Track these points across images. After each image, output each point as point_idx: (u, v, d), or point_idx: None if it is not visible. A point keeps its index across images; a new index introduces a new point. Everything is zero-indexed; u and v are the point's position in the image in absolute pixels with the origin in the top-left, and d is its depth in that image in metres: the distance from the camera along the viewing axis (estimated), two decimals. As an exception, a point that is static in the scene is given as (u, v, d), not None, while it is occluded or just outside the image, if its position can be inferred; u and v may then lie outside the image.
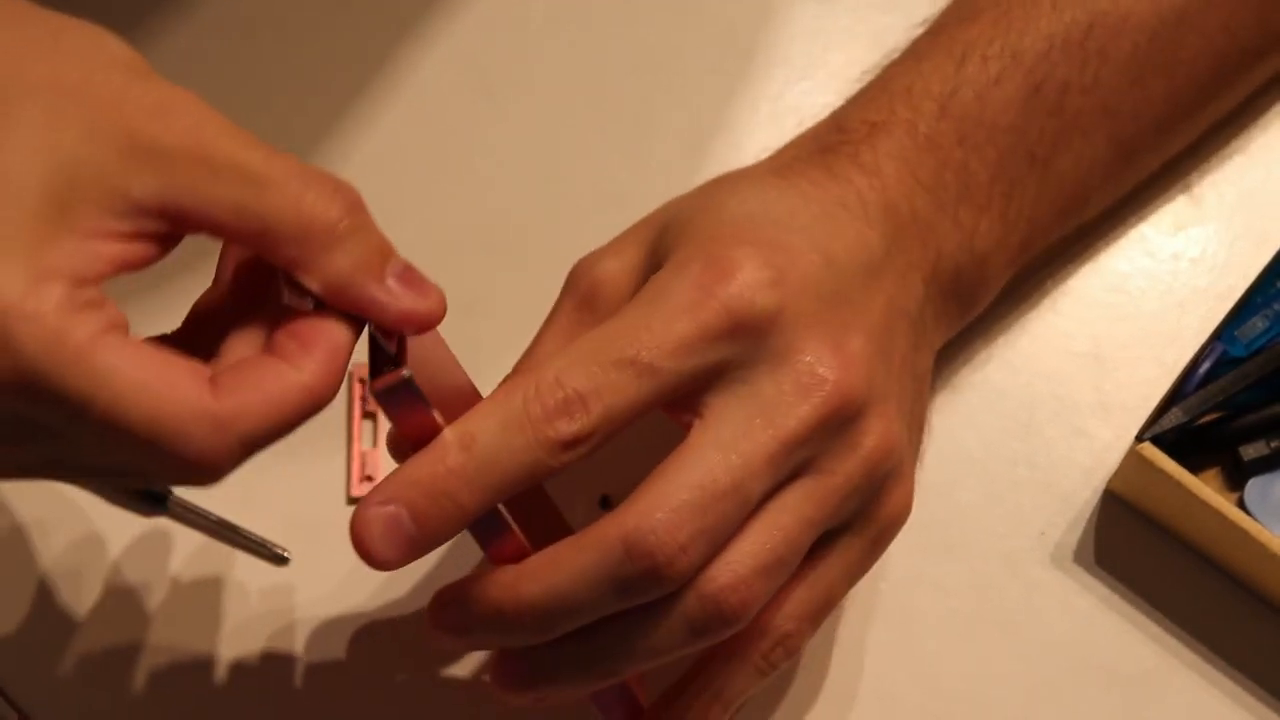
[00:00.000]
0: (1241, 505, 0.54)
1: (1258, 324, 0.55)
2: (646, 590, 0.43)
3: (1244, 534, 0.51)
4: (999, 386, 0.57)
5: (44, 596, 0.55)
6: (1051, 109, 0.53)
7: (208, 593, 0.55)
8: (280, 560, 0.55)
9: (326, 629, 0.54)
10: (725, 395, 0.44)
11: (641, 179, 0.61)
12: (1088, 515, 0.56)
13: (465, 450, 0.42)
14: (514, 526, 0.44)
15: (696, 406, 0.45)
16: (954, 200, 0.51)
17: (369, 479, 0.56)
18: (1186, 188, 0.60)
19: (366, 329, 0.44)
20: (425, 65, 0.63)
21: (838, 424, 0.45)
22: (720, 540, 0.44)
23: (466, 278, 0.59)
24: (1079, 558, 0.55)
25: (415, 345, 0.43)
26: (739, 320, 0.44)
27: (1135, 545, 0.55)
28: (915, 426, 0.50)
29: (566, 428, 0.43)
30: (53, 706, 0.53)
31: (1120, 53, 0.53)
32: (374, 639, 0.54)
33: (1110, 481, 0.56)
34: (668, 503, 0.43)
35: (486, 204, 0.61)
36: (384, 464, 0.56)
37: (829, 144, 0.51)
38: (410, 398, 0.42)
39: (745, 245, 0.45)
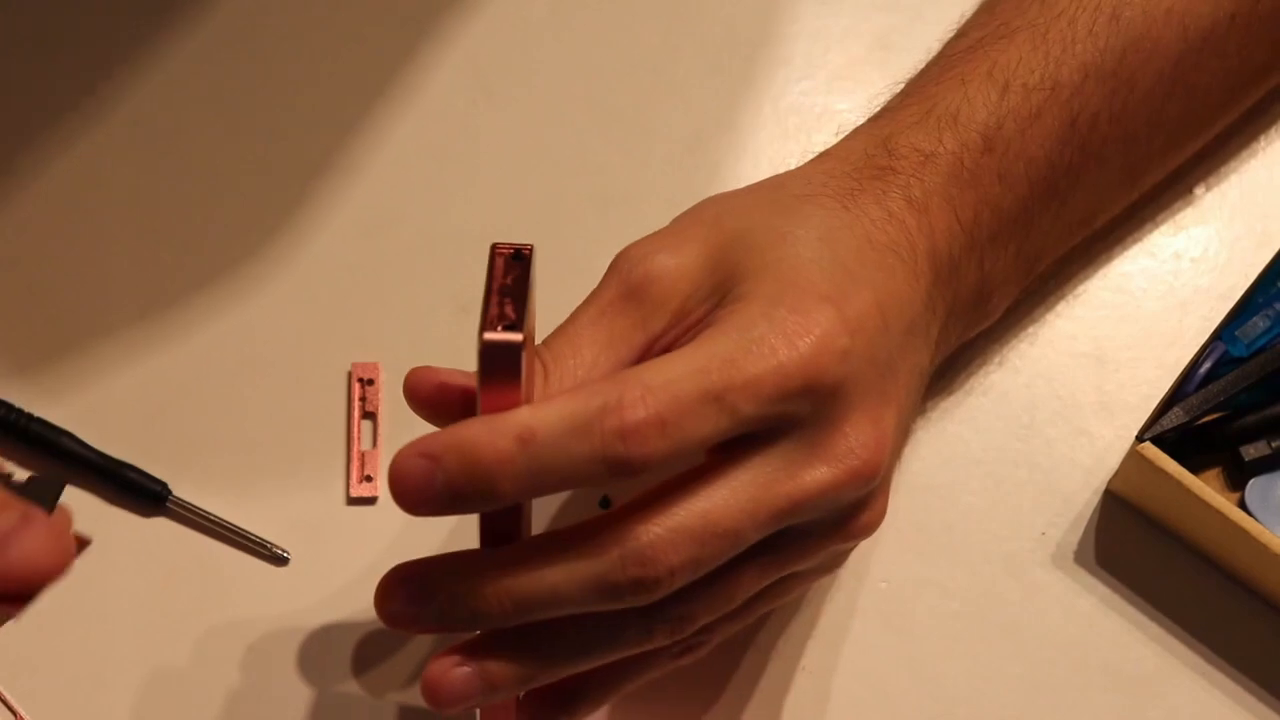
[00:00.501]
0: (1242, 505, 0.54)
1: (1259, 324, 0.55)
2: (624, 599, 0.43)
3: (1245, 534, 0.51)
4: (1000, 387, 0.57)
5: (43, 596, 0.55)
6: (1081, 141, 0.53)
7: (208, 593, 0.55)
8: (280, 560, 0.55)
9: (326, 629, 0.54)
10: (760, 441, 0.44)
11: (641, 179, 0.61)
12: (1089, 516, 0.55)
13: (523, 444, 0.42)
14: (522, 509, 0.44)
15: (730, 444, 0.45)
16: (984, 240, 0.51)
17: (369, 479, 0.56)
18: (1188, 188, 0.60)
19: (492, 268, 0.43)
20: (425, 65, 0.63)
21: (849, 499, 0.46)
22: (702, 573, 0.44)
23: (466, 277, 0.59)
24: (1080, 558, 0.55)
25: (530, 315, 0.42)
26: (810, 384, 0.44)
27: (1136, 545, 0.55)
28: None
29: (638, 449, 0.42)
30: (53, 706, 0.53)
31: (1147, 80, 0.53)
32: (373, 638, 0.54)
33: (1111, 482, 0.56)
34: (670, 521, 0.43)
35: (486, 203, 0.61)
36: (384, 464, 0.56)
37: (880, 168, 0.51)
38: (511, 365, 0.42)
39: (827, 303, 0.45)
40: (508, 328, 0.41)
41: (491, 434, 0.42)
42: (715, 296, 0.46)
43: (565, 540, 0.43)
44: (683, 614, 0.45)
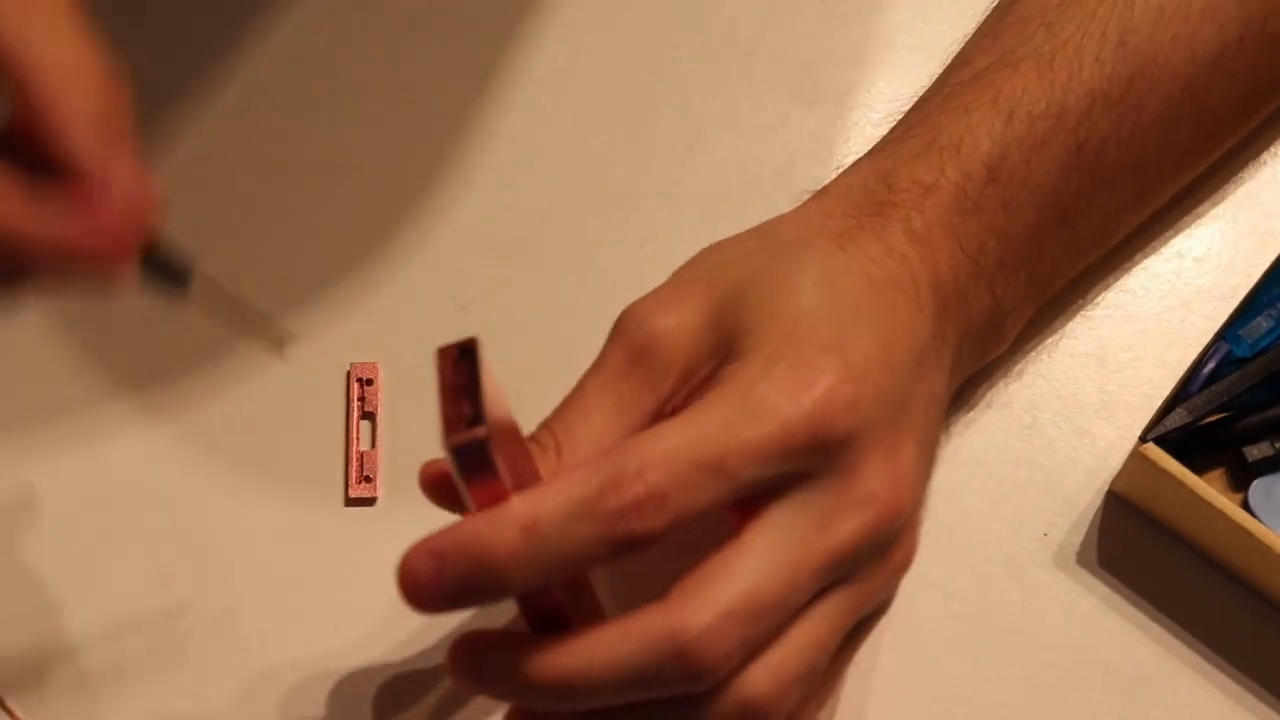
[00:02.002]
0: (1246, 506, 0.53)
1: (1262, 324, 0.55)
2: (677, 687, 0.43)
3: (1248, 535, 0.51)
4: (1001, 388, 0.57)
5: (43, 597, 0.55)
6: (1089, 167, 0.52)
7: (207, 593, 0.54)
8: (283, 345, 0.49)
9: (325, 629, 0.54)
10: (783, 502, 0.44)
11: (641, 179, 0.61)
12: (1091, 516, 0.55)
13: (526, 533, 0.42)
14: (554, 590, 0.44)
15: (753, 507, 0.45)
16: (991, 267, 0.51)
17: (367, 479, 0.55)
18: (1190, 187, 0.59)
19: (440, 372, 0.42)
20: (425, 64, 0.63)
21: (884, 540, 0.46)
22: (757, 648, 0.44)
23: (466, 277, 0.59)
24: (1082, 559, 0.55)
25: (490, 398, 0.42)
26: (818, 439, 0.44)
27: (1138, 546, 0.55)
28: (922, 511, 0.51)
29: (640, 524, 0.42)
30: (52, 708, 0.53)
31: (1155, 105, 0.53)
32: (373, 639, 0.54)
33: (1113, 482, 0.55)
34: (718, 606, 0.43)
35: (486, 203, 0.60)
36: (383, 464, 0.56)
37: (880, 203, 0.50)
38: (483, 459, 0.41)
39: (830, 354, 0.45)
40: (469, 424, 0.41)
41: (495, 528, 0.42)
42: (719, 354, 0.46)
43: (616, 633, 0.43)
44: (777, 699, 0.44)
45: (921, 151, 0.51)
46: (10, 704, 0.53)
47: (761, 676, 0.44)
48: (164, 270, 0.42)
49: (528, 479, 0.44)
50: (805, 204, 0.52)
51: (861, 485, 0.45)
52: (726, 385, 0.45)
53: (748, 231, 0.51)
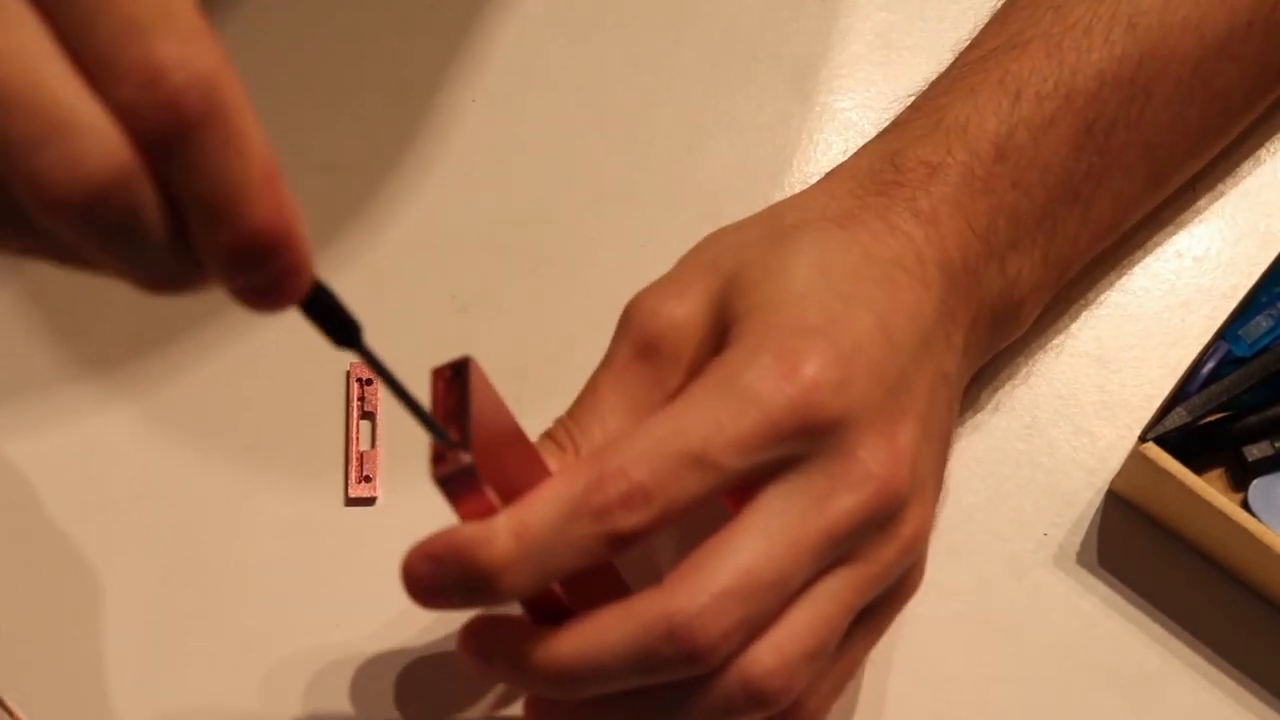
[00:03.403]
0: (1245, 506, 0.53)
1: (1262, 323, 0.55)
2: (678, 670, 0.43)
3: (1248, 535, 0.51)
4: (1002, 387, 0.57)
5: (43, 596, 0.55)
6: (1099, 148, 0.52)
7: (207, 593, 0.54)
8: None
9: (324, 629, 0.54)
10: (778, 484, 0.44)
11: (641, 179, 0.61)
12: (1091, 516, 0.55)
13: (517, 539, 0.42)
14: (552, 590, 0.44)
15: (748, 491, 0.44)
16: (1003, 246, 0.51)
17: (367, 479, 0.55)
18: (1190, 185, 0.59)
19: (434, 396, 0.42)
20: (425, 64, 0.63)
21: (883, 518, 0.45)
22: (758, 628, 0.44)
23: (466, 277, 0.59)
24: (1082, 559, 0.55)
25: (477, 413, 0.42)
26: (806, 422, 0.44)
27: (1138, 546, 0.55)
28: (939, 492, 0.50)
29: (626, 520, 0.42)
30: (51, 708, 0.53)
31: (1165, 87, 0.53)
32: (369, 641, 0.54)
33: (1113, 482, 0.55)
34: (713, 587, 0.43)
35: (486, 203, 0.60)
36: (383, 464, 0.56)
37: (885, 184, 0.50)
38: (469, 483, 0.42)
39: (817, 337, 0.45)
40: (454, 451, 0.41)
41: (487, 534, 0.42)
42: (720, 344, 0.46)
43: (613, 618, 0.43)
44: (783, 677, 0.44)
45: (928, 132, 0.52)
46: (10, 704, 0.53)
47: (765, 654, 0.44)
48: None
49: (535, 481, 0.44)
50: (811, 187, 0.52)
51: (858, 465, 0.44)
52: (711, 375, 0.45)
53: (752, 217, 0.51)
